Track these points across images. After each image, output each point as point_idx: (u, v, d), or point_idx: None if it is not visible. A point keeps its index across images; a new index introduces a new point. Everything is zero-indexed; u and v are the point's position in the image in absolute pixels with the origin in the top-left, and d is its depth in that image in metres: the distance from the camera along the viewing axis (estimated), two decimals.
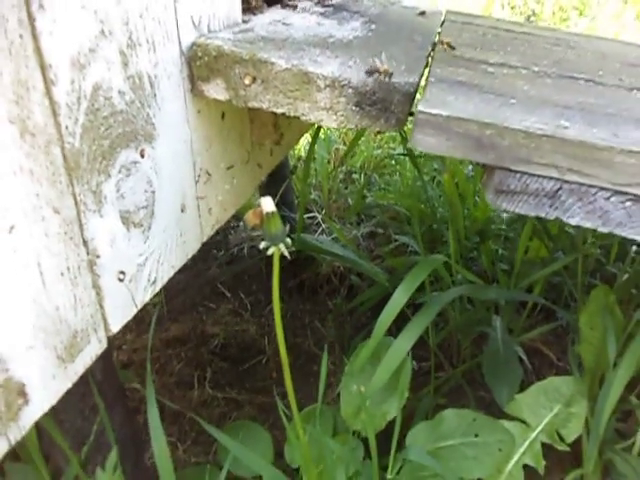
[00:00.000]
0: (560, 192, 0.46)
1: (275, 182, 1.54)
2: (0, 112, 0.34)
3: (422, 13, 1.05)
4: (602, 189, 0.45)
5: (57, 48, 0.38)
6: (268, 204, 0.48)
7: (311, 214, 1.87)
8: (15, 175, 0.36)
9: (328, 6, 0.92)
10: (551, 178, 0.45)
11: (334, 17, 0.83)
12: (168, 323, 1.51)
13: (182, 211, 0.59)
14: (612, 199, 0.45)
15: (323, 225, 1.83)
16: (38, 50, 0.37)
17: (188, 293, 1.63)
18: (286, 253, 0.50)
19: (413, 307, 1.13)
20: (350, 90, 0.52)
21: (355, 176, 2.01)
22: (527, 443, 0.79)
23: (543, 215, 0.47)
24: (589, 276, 1.21)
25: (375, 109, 0.54)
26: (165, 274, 0.57)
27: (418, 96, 0.56)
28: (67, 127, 0.40)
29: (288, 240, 0.50)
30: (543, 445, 0.81)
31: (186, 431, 1.21)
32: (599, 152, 0.43)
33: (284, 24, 0.71)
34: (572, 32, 1.34)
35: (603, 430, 0.80)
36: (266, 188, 1.53)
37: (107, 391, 0.68)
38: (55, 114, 0.39)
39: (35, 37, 0.36)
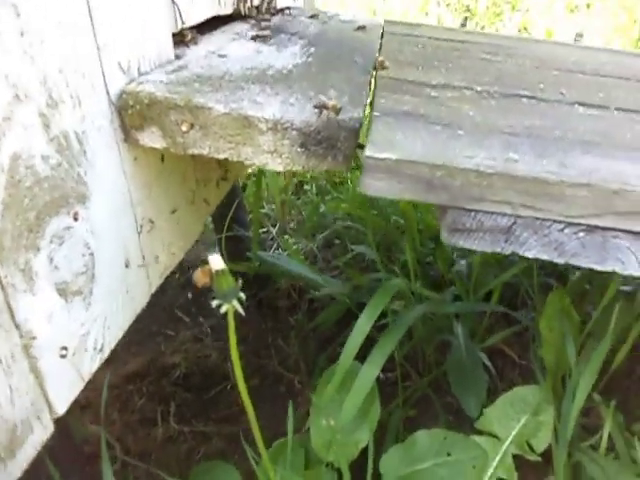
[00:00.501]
0: (515, 227, 0.45)
1: (226, 200, 1.50)
2: None
3: (361, 27, 1.04)
4: (555, 222, 0.45)
5: None
6: (217, 262, 0.45)
7: (265, 229, 1.84)
8: None
9: (265, 28, 0.89)
10: (505, 214, 0.45)
11: (272, 42, 0.80)
12: (126, 356, 1.46)
13: (126, 267, 0.55)
14: (566, 231, 0.45)
15: (278, 239, 1.81)
16: None
17: (144, 321, 1.57)
18: (240, 310, 0.47)
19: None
20: (294, 132, 0.50)
21: (307, 187, 1.99)
22: (499, 457, 0.79)
23: (499, 250, 0.47)
24: (545, 276, 1.24)
25: (321, 148, 0.52)
26: (113, 338, 0.53)
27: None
28: None
29: (242, 295, 0.48)
30: (515, 456, 0.81)
31: (152, 474, 1.16)
32: (550, 187, 0.43)
33: (220, 56, 0.68)
34: (509, 36, 1.36)
35: (570, 434, 0.82)
36: (216, 208, 1.49)
37: (63, 458, 0.63)
38: None
39: None
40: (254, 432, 0.66)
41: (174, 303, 1.63)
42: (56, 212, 0.44)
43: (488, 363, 1.15)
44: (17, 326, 0.40)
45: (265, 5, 1.01)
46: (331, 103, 0.51)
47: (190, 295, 1.64)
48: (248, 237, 1.59)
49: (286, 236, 1.81)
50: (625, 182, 0.43)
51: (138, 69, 0.55)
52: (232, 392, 1.34)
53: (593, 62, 1.03)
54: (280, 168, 0.51)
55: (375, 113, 0.54)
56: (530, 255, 0.46)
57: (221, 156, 0.52)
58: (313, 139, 0.51)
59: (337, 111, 0.51)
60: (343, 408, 0.75)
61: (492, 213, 0.45)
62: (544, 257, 0.46)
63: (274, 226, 1.87)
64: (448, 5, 3.50)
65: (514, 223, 0.45)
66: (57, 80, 0.43)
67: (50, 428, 0.44)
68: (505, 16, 3.41)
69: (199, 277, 0.46)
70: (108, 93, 0.50)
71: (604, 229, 0.44)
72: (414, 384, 1.22)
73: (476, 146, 0.48)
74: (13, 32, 0.38)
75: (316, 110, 0.51)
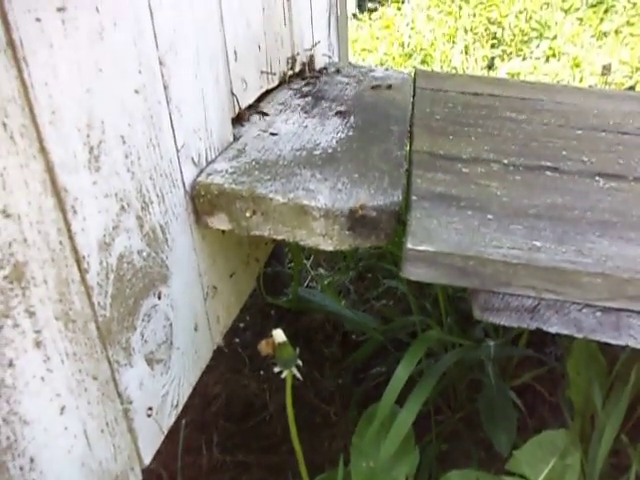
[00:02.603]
0: (539, 307, 0.52)
1: None
2: (48, 313, 0.39)
3: (389, 87, 1.11)
4: (574, 303, 0.51)
5: (88, 239, 0.43)
6: (279, 336, 0.53)
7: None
8: (63, 362, 0.40)
9: (306, 95, 0.98)
10: (529, 297, 0.51)
11: (315, 112, 0.89)
12: None
13: (195, 330, 0.63)
14: (584, 311, 0.51)
15: (312, 272, 1.89)
16: (74, 248, 0.41)
17: None
18: (298, 375, 0.55)
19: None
20: (343, 218, 0.58)
21: None
22: None
23: (525, 326, 0.53)
24: None
25: (366, 230, 0.59)
26: (185, 393, 0.61)
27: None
28: (99, 303, 0.45)
29: (299, 362, 0.55)
30: None
31: None
32: (569, 275, 0.49)
33: (271, 134, 0.77)
34: (534, 85, 1.42)
35: (598, 476, 0.86)
36: None
37: None
38: (89, 296, 0.43)
39: (71, 238, 0.41)
40: (300, 467, 0.73)
41: None
42: (147, 295, 0.52)
43: (518, 401, 1.19)
44: (119, 395, 0.48)
45: (306, 69, 1.10)
46: (359, 204, 0.59)
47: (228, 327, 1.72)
48: (284, 271, 1.67)
49: (320, 269, 1.89)
50: (636, 270, 0.49)
51: (206, 159, 0.64)
52: (271, 422, 1.41)
53: (615, 114, 1.09)
54: (330, 248, 0.59)
55: (413, 197, 0.61)
56: (552, 330, 0.53)
57: (279, 237, 0.60)
58: (359, 223, 0.59)
59: (365, 208, 0.58)
60: (381, 450, 0.81)
61: (518, 295, 0.51)
62: (565, 332, 0.53)
63: (307, 259, 1.95)
64: (476, 34, 3.57)
65: (538, 304, 0.51)
66: (149, 185, 0.52)
67: (139, 477, 0.52)
68: (533, 44, 3.46)
69: (263, 347, 0.54)
70: (184, 185, 0.59)
71: (618, 310, 0.50)
72: (446, 419, 1.27)
73: (503, 233, 0.55)
74: (121, 156, 0.47)
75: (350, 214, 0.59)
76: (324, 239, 0.59)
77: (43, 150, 0.38)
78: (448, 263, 0.51)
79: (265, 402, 1.47)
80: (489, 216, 0.58)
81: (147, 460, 0.53)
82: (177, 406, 0.59)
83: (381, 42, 3.37)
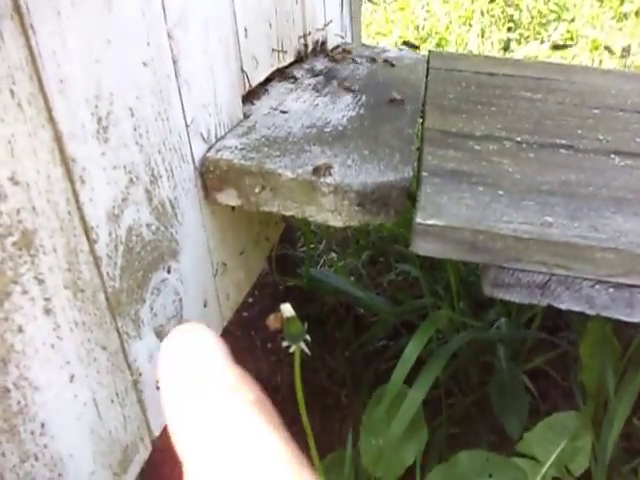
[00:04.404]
0: (549, 283, 0.51)
1: None
2: (57, 282, 0.39)
3: (392, 64, 1.09)
4: (586, 279, 0.50)
5: (96, 210, 0.43)
6: (288, 310, 0.53)
7: (312, 246, 1.92)
8: (72, 331, 0.41)
9: (318, 74, 0.97)
10: (540, 272, 0.51)
11: (326, 91, 0.88)
12: None
13: (205, 306, 0.64)
14: (596, 287, 0.50)
15: (324, 256, 1.89)
16: (82, 218, 0.42)
17: None
18: (307, 350, 0.55)
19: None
20: (352, 194, 0.57)
21: None
22: (539, 479, 0.84)
23: (535, 302, 0.53)
24: None
25: (375, 206, 0.59)
26: None
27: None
28: (108, 273, 0.45)
29: (307, 337, 0.55)
30: (554, 478, 0.86)
31: None
32: (581, 250, 0.49)
33: (282, 112, 0.76)
34: (550, 66, 1.40)
35: (609, 459, 0.86)
36: None
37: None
38: (98, 266, 0.44)
39: (79, 208, 0.41)
40: (311, 450, 0.74)
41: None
42: (156, 268, 0.53)
43: (530, 385, 1.19)
44: (129, 366, 0.49)
45: (318, 49, 1.09)
46: (322, 162, 0.58)
47: (240, 310, 1.74)
48: (296, 254, 1.67)
49: (332, 253, 1.89)
50: None
51: (215, 135, 0.64)
52: (282, 404, 1.42)
53: (634, 94, 1.07)
54: (340, 224, 0.59)
55: (423, 173, 0.61)
56: (563, 307, 0.52)
57: (288, 213, 0.60)
58: (369, 199, 0.58)
59: (330, 168, 0.58)
60: (390, 429, 0.82)
61: (529, 271, 0.51)
62: (576, 309, 0.52)
63: (320, 243, 1.95)
64: (492, 16, 3.50)
65: (549, 280, 0.51)
66: (157, 159, 0.52)
67: (149, 448, 0.53)
68: (551, 27, 3.39)
69: (272, 322, 0.54)
70: (194, 161, 0.59)
71: (631, 286, 0.50)
72: (457, 403, 1.27)
73: (514, 208, 0.54)
74: (129, 128, 0.47)
75: (314, 174, 0.58)
76: (333, 215, 0.59)
77: (51, 119, 0.38)
78: (458, 238, 0.50)
79: (276, 383, 1.48)
80: (500, 192, 0.57)
81: (157, 432, 0.54)
82: None
83: (395, 25, 3.33)
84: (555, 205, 0.55)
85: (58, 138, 0.39)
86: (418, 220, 0.50)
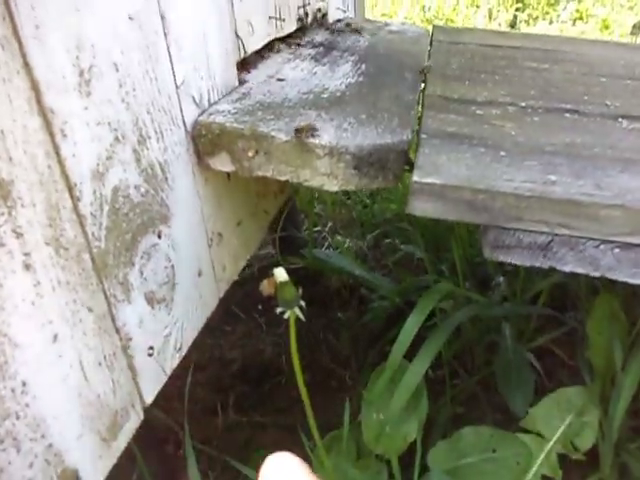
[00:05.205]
0: (552, 244, 0.49)
1: None
2: (37, 237, 0.38)
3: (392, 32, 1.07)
4: (591, 239, 0.48)
5: (79, 166, 0.42)
6: (281, 275, 0.51)
7: (316, 228, 1.90)
8: (54, 290, 0.40)
9: (318, 46, 0.95)
10: (542, 232, 0.49)
11: (325, 61, 0.86)
12: (187, 350, 1.55)
13: (199, 276, 0.62)
14: (601, 247, 0.48)
15: (329, 239, 1.87)
16: (64, 173, 0.40)
17: None
18: (301, 316, 0.54)
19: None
20: (348, 156, 0.56)
21: None
22: (543, 455, 0.82)
23: (538, 265, 0.51)
24: (593, 278, 1.24)
25: (373, 169, 0.57)
26: (189, 337, 0.60)
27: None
28: (93, 233, 0.44)
29: (302, 303, 0.54)
30: (559, 455, 0.84)
31: (214, 457, 1.25)
32: (585, 208, 0.47)
33: (279, 80, 0.74)
34: (558, 38, 1.36)
35: (617, 435, 0.84)
36: None
37: (141, 440, 0.72)
38: (82, 225, 0.42)
39: (60, 163, 0.40)
40: (310, 424, 0.72)
41: (230, 300, 1.71)
42: (145, 232, 0.51)
43: (536, 363, 1.17)
44: (117, 330, 0.47)
45: (318, 20, 1.07)
46: (303, 124, 0.56)
47: (245, 293, 1.73)
48: (300, 237, 1.66)
49: (337, 235, 1.87)
50: None
51: (208, 100, 0.62)
52: (286, 385, 1.41)
53: None
54: (335, 188, 0.57)
55: (422, 135, 0.59)
56: (567, 269, 0.50)
57: (282, 178, 0.58)
58: (365, 162, 0.57)
59: (313, 130, 0.56)
60: (391, 403, 0.80)
61: (530, 232, 0.49)
62: (580, 271, 0.50)
63: (325, 225, 1.94)
64: None
65: (551, 240, 0.49)
66: (146, 119, 0.50)
67: (141, 416, 0.52)
68: (560, 6, 3.33)
69: (265, 287, 0.53)
70: (185, 124, 0.57)
71: (636, 246, 0.47)
72: (462, 382, 1.25)
73: (516, 168, 0.52)
74: (114, 84, 0.45)
75: (296, 134, 0.56)
76: (329, 179, 0.57)
77: (27, 65, 0.36)
78: (456, 197, 0.48)
79: (281, 366, 1.47)
80: (502, 153, 0.55)
81: (148, 400, 0.53)
82: (180, 349, 0.58)
83: (401, 7, 3.28)
84: (559, 165, 0.53)
85: (35, 87, 0.37)
86: (415, 179, 0.48)
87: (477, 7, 3.43)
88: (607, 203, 0.47)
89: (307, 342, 1.52)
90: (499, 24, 3.21)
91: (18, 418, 0.37)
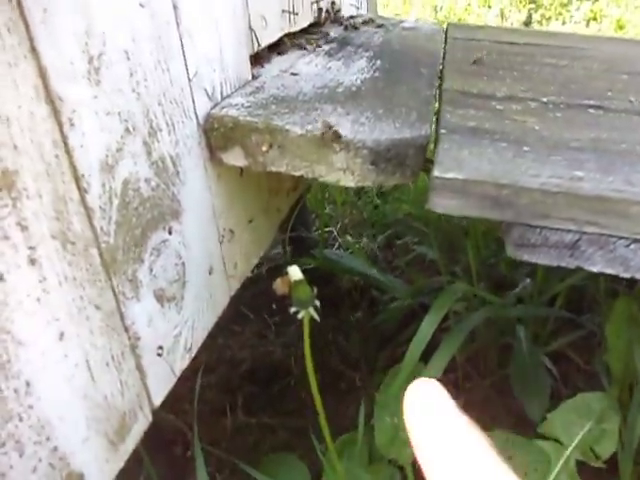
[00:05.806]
0: (580, 243, 0.47)
1: None
2: (43, 230, 0.36)
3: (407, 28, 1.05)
4: (621, 238, 0.46)
5: (88, 157, 0.40)
6: (295, 273, 0.49)
7: (327, 228, 1.88)
8: (61, 285, 0.38)
9: (332, 41, 0.93)
10: (570, 230, 0.46)
11: (340, 56, 0.84)
12: (196, 351, 1.54)
13: (210, 274, 0.61)
14: (632, 246, 0.46)
15: (339, 239, 1.85)
16: (72, 164, 0.39)
17: None
18: (316, 316, 0.52)
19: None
20: (365, 151, 0.54)
21: (367, 187, 2.02)
22: (562, 462, 0.80)
23: (564, 265, 0.48)
24: (612, 281, 1.21)
25: (390, 165, 0.55)
26: (199, 337, 0.59)
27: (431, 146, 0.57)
28: (102, 228, 0.42)
29: (317, 302, 0.52)
30: (578, 462, 0.82)
31: (223, 459, 1.23)
32: (615, 204, 0.44)
33: (292, 74, 0.72)
34: (575, 35, 1.33)
35: (636, 443, 0.81)
36: None
37: (149, 442, 0.70)
38: (90, 219, 0.41)
39: (68, 153, 0.38)
40: (322, 427, 0.70)
41: (239, 301, 1.69)
42: (155, 228, 0.49)
43: (552, 367, 1.14)
44: (126, 329, 0.46)
45: (332, 16, 1.05)
46: (327, 124, 0.54)
47: (254, 293, 1.71)
48: (310, 237, 1.64)
49: (347, 236, 1.85)
50: None
51: (221, 93, 0.61)
52: (295, 387, 1.39)
53: None
54: (352, 184, 0.55)
55: (442, 130, 0.57)
56: (595, 270, 0.48)
57: (297, 173, 0.56)
58: (383, 157, 0.55)
59: (334, 131, 0.53)
60: None
61: (557, 229, 0.46)
62: (609, 272, 0.48)
63: (335, 226, 1.92)
64: None
65: (579, 239, 0.47)
66: (157, 111, 0.49)
67: (149, 418, 0.50)
68: (572, 7, 3.29)
69: (279, 286, 0.51)
70: (197, 117, 0.56)
71: None
72: (475, 386, 1.23)
73: (541, 163, 0.50)
74: (125, 73, 0.44)
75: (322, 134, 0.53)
76: (345, 174, 0.55)
77: (34, 50, 0.35)
78: (479, 192, 0.46)
79: (290, 368, 1.45)
80: (526, 148, 0.53)
81: (157, 401, 0.51)
82: (190, 350, 0.57)
83: (413, 7, 3.26)
84: (585, 161, 0.51)
85: (42, 73, 0.36)
86: (435, 174, 0.46)
87: (489, 7, 3.40)
88: (638, 200, 0.44)
89: (317, 343, 1.50)
90: (511, 24, 3.17)
91: (21, 420, 0.35)
